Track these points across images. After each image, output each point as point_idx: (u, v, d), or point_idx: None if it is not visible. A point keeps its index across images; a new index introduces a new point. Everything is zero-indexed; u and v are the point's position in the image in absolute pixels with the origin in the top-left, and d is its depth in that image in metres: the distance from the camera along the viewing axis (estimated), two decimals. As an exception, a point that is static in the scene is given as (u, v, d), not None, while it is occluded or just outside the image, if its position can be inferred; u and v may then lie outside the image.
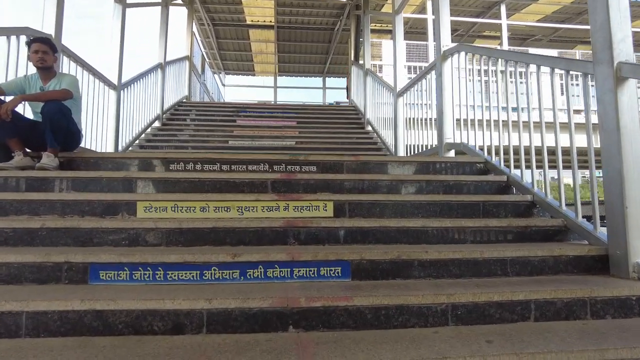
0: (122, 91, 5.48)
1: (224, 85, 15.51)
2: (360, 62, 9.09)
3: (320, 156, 3.09)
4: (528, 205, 2.71)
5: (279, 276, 1.87)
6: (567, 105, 2.39)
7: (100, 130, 4.98)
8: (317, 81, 15.71)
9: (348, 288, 1.75)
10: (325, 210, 2.50)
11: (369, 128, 7.42)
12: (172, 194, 2.59)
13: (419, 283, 1.87)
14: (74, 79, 3.14)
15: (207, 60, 13.79)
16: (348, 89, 10.33)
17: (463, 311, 1.67)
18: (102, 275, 1.82)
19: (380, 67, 9.98)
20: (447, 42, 4.12)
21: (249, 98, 15.80)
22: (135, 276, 1.83)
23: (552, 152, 2.50)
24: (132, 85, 5.80)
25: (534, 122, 2.73)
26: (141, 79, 6.19)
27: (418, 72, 10.71)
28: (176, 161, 3.03)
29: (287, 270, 1.87)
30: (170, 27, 7.74)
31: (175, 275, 1.84)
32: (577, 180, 2.35)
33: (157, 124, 7.10)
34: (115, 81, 5.22)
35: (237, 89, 16.59)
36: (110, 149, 5.11)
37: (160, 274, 1.84)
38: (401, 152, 5.45)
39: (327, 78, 15.54)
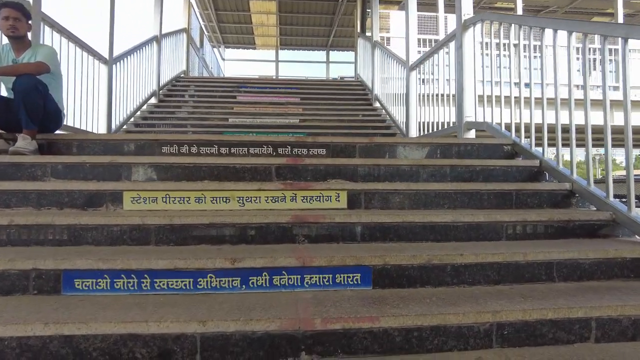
0: (114, 66, 5.11)
1: (223, 59, 14.97)
2: (368, 34, 8.60)
3: (330, 137, 2.77)
4: (566, 195, 2.39)
5: (287, 284, 1.58)
6: (623, 79, 2.03)
7: (91, 108, 4.64)
8: (320, 55, 15.15)
9: (371, 302, 1.46)
10: (338, 200, 2.19)
11: (377, 105, 7.03)
12: (163, 182, 2.28)
13: (454, 293, 1.58)
14: (51, 51, 2.78)
15: (206, 33, 13.24)
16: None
17: (510, 330, 1.39)
18: (78, 284, 1.53)
19: (388, 39, 9.47)
20: (468, 11, 3.71)
21: (250, 72, 15.28)
22: (117, 285, 1.54)
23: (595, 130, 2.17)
24: (125, 59, 5.41)
25: (575, 100, 2.39)
26: (135, 53, 5.79)
27: (427, 46, 10.23)
28: (169, 143, 2.70)
29: (297, 278, 1.58)
30: (166, -3, 7.27)
31: (164, 284, 1.55)
32: (630, 163, 2.02)
33: (153, 100, 6.73)
34: (106, 55, 4.84)
35: (237, 64, 16.03)
36: (102, 128, 4.78)
37: (147, 282, 1.55)
38: (413, 131, 5.10)
39: (331, 51, 14.96)
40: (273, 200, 2.17)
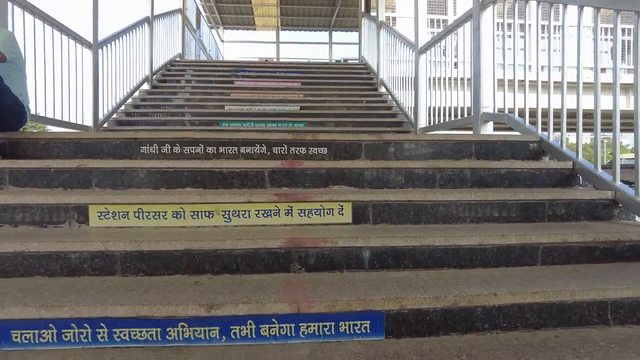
0: (100, 50, 4.73)
1: (222, 41, 14.45)
2: (373, 13, 8.12)
3: (333, 135, 2.42)
4: (606, 205, 2.05)
5: (277, 334, 1.27)
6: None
7: (74, 97, 4.29)
8: (323, 35, 14.59)
9: (384, 358, 1.15)
10: (342, 214, 1.87)
11: (383, 90, 6.63)
12: (137, 193, 1.95)
13: (486, 344, 1.27)
14: (7, 35, 2.41)
15: (203, 13, 12.72)
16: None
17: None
18: (16, 337, 1.23)
19: (394, 19, 8.99)
20: (487, -14, 3.31)
21: (250, 55, 14.77)
22: (66, 337, 1.24)
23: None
24: (112, 42, 5.02)
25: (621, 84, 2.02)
26: (124, 36, 5.39)
27: (435, 26, 9.73)
28: (149, 142, 2.37)
29: (290, 327, 1.27)
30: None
31: (125, 335, 1.25)
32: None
33: (146, 86, 6.36)
34: (90, 38, 4.46)
35: (237, 45, 15.52)
36: (88, 120, 4.44)
37: (104, 332, 1.24)
38: (422, 120, 4.73)
39: (333, 32, 14.39)
40: (265, 214, 1.84)
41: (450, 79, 4.04)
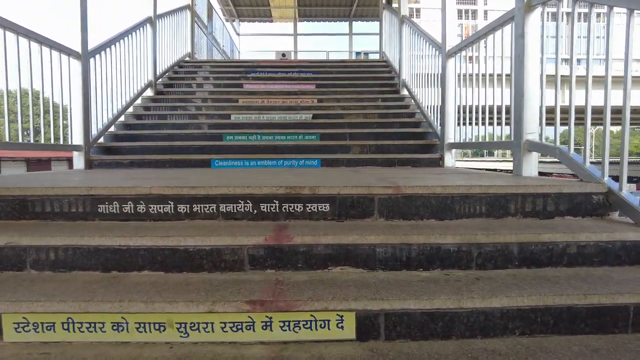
0: (92, 59, 4.31)
1: (238, 34, 13.93)
2: (395, 5, 7.44)
3: (337, 188, 1.90)
4: None
5: None
6: None
7: (60, 114, 3.90)
8: (342, 26, 13.87)
9: None
10: (341, 328, 1.35)
11: (405, 92, 6.00)
12: (71, 290, 1.48)
13: None
14: None
15: (218, 6, 12.22)
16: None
17: None
18: None
19: (418, 11, 8.26)
20: (535, -18, 2.66)
21: (266, 47, 14.26)
22: None
23: None
24: (106, 50, 4.60)
25: None
26: (122, 40, 4.95)
27: (463, 17, 8.89)
28: (107, 200, 1.90)
29: None
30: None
31: None
32: None
33: (149, 92, 5.95)
34: (78, 48, 4.03)
35: (253, 38, 14.98)
36: (78, 138, 4.04)
37: None
38: (450, 134, 4.12)
39: (353, 22, 13.65)
40: (234, 328, 1.34)
41: (484, 76, 3.42)
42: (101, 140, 4.61)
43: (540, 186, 1.95)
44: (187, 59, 7.76)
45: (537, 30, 2.67)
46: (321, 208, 1.89)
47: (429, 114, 4.74)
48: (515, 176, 2.67)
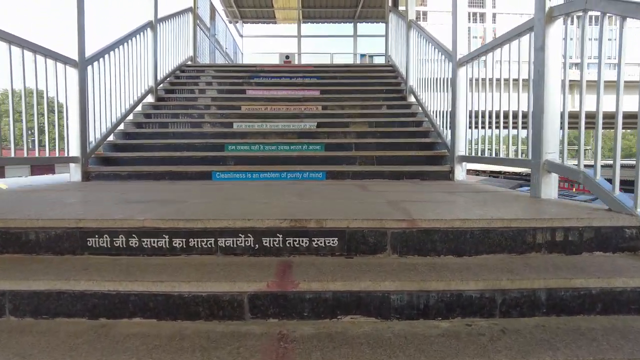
0: (90, 67, 4.18)
1: (241, 36, 13.79)
2: (401, 8, 7.27)
3: (346, 222, 1.75)
4: None
5: None
6: None
7: (56, 126, 3.78)
8: (347, 28, 13.71)
9: None
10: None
11: (412, 99, 5.84)
12: (52, 346, 1.33)
13: None
14: None
15: (221, 8, 12.08)
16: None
17: None
18: None
19: (425, 14, 8.08)
20: (555, -9, 2.50)
21: (270, 50, 14.14)
22: None
23: None
24: (105, 56, 4.46)
25: None
26: (121, 46, 4.82)
27: (471, 21, 8.71)
28: (97, 233, 1.75)
29: None
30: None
31: None
32: None
33: (150, 98, 5.81)
34: (74, 56, 3.89)
35: (257, 40, 14.83)
36: (75, 150, 3.91)
37: None
38: (461, 147, 3.95)
39: (358, 24, 13.48)
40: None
41: (498, 104, 3.25)
42: (100, 150, 4.48)
43: (567, 219, 1.79)
44: (190, 62, 7.63)
45: (559, 43, 2.50)
46: (329, 242, 1.74)
47: (438, 122, 4.58)
48: (534, 199, 2.51)
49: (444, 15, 7.50)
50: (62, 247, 1.76)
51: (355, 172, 4.04)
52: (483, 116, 3.47)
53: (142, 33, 5.47)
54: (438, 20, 7.73)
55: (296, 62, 12.84)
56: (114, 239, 1.75)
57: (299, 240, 1.74)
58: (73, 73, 3.90)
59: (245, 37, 14.17)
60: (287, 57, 12.51)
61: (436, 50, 4.66)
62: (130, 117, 5.31)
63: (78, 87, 3.93)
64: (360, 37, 13.34)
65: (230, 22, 13.01)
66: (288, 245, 1.74)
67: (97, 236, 1.75)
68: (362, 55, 13.16)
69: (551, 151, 2.52)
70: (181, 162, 4.32)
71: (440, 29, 7.93)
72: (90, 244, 1.75)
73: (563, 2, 2.44)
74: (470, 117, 3.75)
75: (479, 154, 3.59)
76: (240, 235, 1.74)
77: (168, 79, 6.54)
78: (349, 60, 13.43)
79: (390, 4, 7.73)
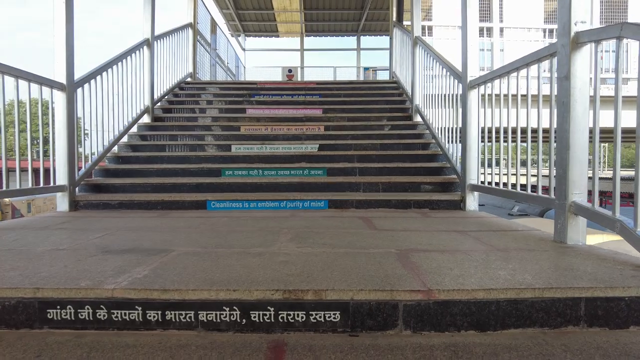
0: (80, 89, 3.98)
1: (244, 49, 13.67)
2: (407, 23, 7.08)
3: (350, 293, 1.49)
4: None
5: None
6: None
7: (42, 153, 3.57)
8: (350, 41, 13.56)
9: None
10: None
11: (418, 119, 5.60)
12: None
13: None
14: None
15: (223, 21, 11.96)
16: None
17: None
18: None
19: (430, 29, 7.87)
20: (582, 16, 2.25)
21: (272, 63, 14.00)
22: None
23: None
24: (97, 78, 4.26)
25: None
26: (115, 66, 4.63)
27: (478, 35, 8.51)
28: (60, 304, 1.50)
29: None
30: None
31: None
32: None
33: (146, 118, 5.61)
34: (62, 78, 3.69)
35: (259, 53, 14.70)
36: (62, 178, 3.68)
37: None
38: (473, 175, 3.69)
39: (362, 37, 13.32)
40: None
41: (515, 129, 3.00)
42: (92, 177, 4.27)
43: (611, 288, 1.52)
44: (189, 79, 7.45)
45: (586, 71, 2.25)
46: (329, 317, 1.47)
47: (447, 146, 4.33)
48: (562, 248, 2.23)
49: (450, 30, 7.28)
50: (17, 320, 1.50)
51: (359, 201, 3.79)
52: (497, 140, 3.22)
53: (137, 52, 5.28)
54: (444, 34, 7.51)
55: (299, 76, 12.69)
56: (79, 311, 1.49)
57: (294, 315, 1.47)
58: (60, 97, 3.69)
59: (248, 51, 14.05)
60: (290, 70, 12.35)
61: (444, 70, 4.43)
62: (125, 139, 5.10)
63: (66, 112, 3.71)
64: (364, 51, 13.18)
65: (232, 36, 12.90)
66: (281, 320, 1.47)
67: (59, 307, 1.50)
68: (366, 69, 12.98)
69: (578, 192, 2.26)
70: (175, 189, 4.09)
71: (446, 44, 7.72)
72: (51, 317, 1.50)
73: (592, 28, 2.19)
74: (483, 139, 3.50)
75: (493, 184, 3.33)
76: (224, 308, 1.48)
77: (166, 97, 6.35)
78: (352, 73, 13.27)
79: (394, 18, 7.54)
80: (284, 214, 3.44)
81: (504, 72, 3.10)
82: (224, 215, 3.37)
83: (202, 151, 4.90)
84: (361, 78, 12.82)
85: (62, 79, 3.67)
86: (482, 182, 3.52)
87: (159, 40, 5.98)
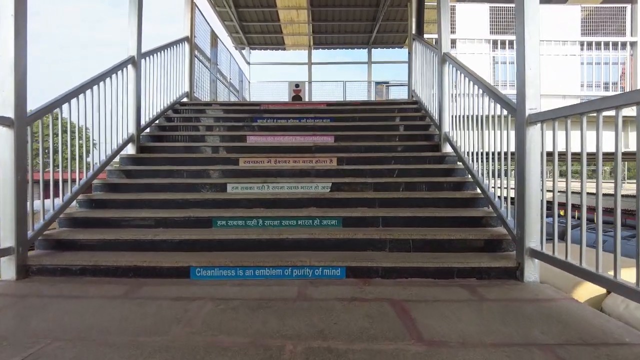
0: (40, 121, 3.23)
1: (248, 63, 12.95)
2: (428, 36, 6.28)
3: None
4: None
5: None
6: None
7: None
8: (361, 54, 12.82)
9: None
10: None
11: (448, 149, 4.76)
12: None
13: None
14: None
15: (226, 33, 11.27)
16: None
17: None
18: None
19: (454, 42, 7.06)
20: None
21: (278, 75, 13.28)
22: None
23: None
24: (63, 107, 3.49)
25: None
26: (87, 92, 3.86)
27: (506, 48, 7.67)
28: None
29: None
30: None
31: None
32: None
33: (131, 149, 4.83)
34: (9, 111, 2.91)
35: (264, 68, 14.03)
36: (8, 237, 2.88)
37: None
38: (533, 238, 2.83)
39: (373, 49, 12.56)
40: None
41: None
42: (54, 229, 3.49)
43: None
44: (185, 99, 6.70)
45: None
46: None
47: (490, 190, 3.48)
48: None
49: (476, 44, 6.49)
50: None
51: (386, 269, 2.94)
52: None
53: (120, 72, 4.52)
54: (468, 49, 6.72)
55: (306, 91, 11.93)
56: None
57: None
58: (6, 135, 2.91)
59: (253, 65, 13.33)
60: (297, 85, 11.60)
61: (487, 98, 3.59)
62: (105, 174, 4.32)
63: (14, 153, 2.92)
64: (375, 64, 12.40)
65: (235, 49, 12.20)
66: None
67: None
68: (378, 83, 12.19)
69: None
70: (154, 247, 3.28)
71: (471, 59, 6.91)
72: None
73: None
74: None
75: (566, 256, 2.47)
76: None
77: (157, 121, 5.58)
78: (363, 88, 12.48)
79: (414, 31, 6.74)
80: (289, 293, 2.60)
81: (583, 110, 2.26)
82: (210, 297, 2.53)
83: (193, 191, 4.09)
84: (372, 93, 12.03)
85: (8, 111, 2.89)
86: (550, 240, 2.66)
87: (148, 57, 5.23)
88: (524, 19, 2.87)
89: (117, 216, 3.60)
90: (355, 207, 3.77)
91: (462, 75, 4.21)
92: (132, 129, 4.80)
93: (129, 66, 4.76)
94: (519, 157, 2.95)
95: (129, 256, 3.10)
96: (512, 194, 3.17)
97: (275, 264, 2.96)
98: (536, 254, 2.80)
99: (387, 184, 4.09)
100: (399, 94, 11.46)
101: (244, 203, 3.84)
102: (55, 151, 3.39)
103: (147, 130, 5.31)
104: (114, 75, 4.35)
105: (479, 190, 3.89)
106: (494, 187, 3.50)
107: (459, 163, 4.47)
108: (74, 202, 3.79)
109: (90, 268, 3.01)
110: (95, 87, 3.97)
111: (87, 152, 3.85)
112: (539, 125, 2.83)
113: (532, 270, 2.88)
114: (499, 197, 3.38)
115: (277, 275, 2.94)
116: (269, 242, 3.27)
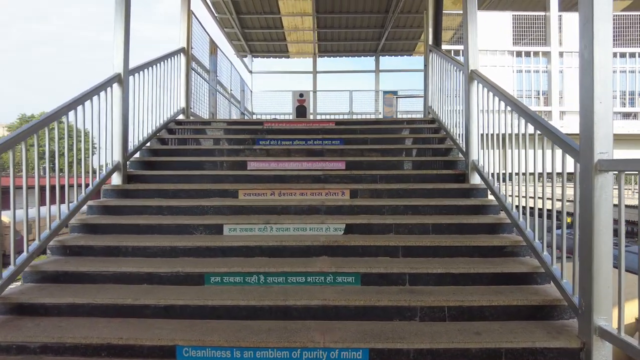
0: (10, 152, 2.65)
1: (250, 72, 12.40)
2: (446, 47, 5.72)
3: None
4: None
5: None
6: None
7: None
8: (368, 62, 12.28)
9: None
10: None
11: (476, 180, 4.17)
12: None
13: None
14: None
15: (227, 40, 10.74)
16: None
17: None
18: None
19: (459, 53, 6.50)
20: None
21: (281, 84, 12.77)
22: None
23: None
24: (35, 135, 2.95)
25: None
26: (63, 118, 3.32)
27: (524, 61, 7.13)
28: None
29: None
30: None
31: None
32: None
33: (117, 179, 4.26)
34: None
35: (267, 76, 13.48)
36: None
37: None
38: (603, 308, 2.25)
39: (381, 57, 12.00)
40: None
41: None
42: (17, 284, 2.93)
43: None
44: (181, 116, 6.14)
45: None
46: None
47: (536, 239, 2.91)
48: None
49: (498, 56, 5.93)
50: None
51: (419, 352, 2.36)
52: None
53: (103, 92, 3.96)
54: (490, 61, 6.15)
55: (311, 100, 11.37)
56: None
57: None
58: None
59: (255, 74, 12.77)
60: (301, 95, 11.05)
61: (532, 127, 3.02)
62: (85, 208, 3.76)
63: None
64: (383, 73, 11.84)
65: (237, 57, 11.67)
66: None
67: None
68: (386, 93, 11.61)
69: None
70: (134, 314, 2.71)
71: (492, 72, 6.34)
72: None
73: None
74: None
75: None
76: None
77: (148, 143, 5.02)
78: (370, 97, 11.90)
79: (430, 41, 6.16)
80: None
81: None
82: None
83: (184, 233, 3.52)
84: (380, 103, 11.46)
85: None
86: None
87: (137, 74, 4.68)
88: (593, 39, 2.28)
89: (93, 270, 3.03)
90: (375, 257, 3.20)
91: (497, 99, 3.63)
92: (117, 156, 4.23)
93: (114, 85, 4.20)
94: (582, 210, 2.37)
95: (103, 327, 2.53)
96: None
97: (281, 344, 2.38)
98: (608, 336, 2.21)
99: (412, 226, 3.50)
100: (409, 104, 10.89)
101: (243, 251, 3.26)
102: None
103: (137, 155, 4.75)
104: (95, 98, 3.79)
105: (517, 236, 3.32)
106: (540, 239, 2.92)
107: (490, 197, 3.89)
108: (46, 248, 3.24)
109: (53, 346, 2.44)
110: (71, 113, 3.42)
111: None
112: (611, 174, 2.26)
113: (603, 356, 2.29)
114: (549, 248, 2.81)
115: (283, 358, 2.37)
116: (272, 309, 2.70)
